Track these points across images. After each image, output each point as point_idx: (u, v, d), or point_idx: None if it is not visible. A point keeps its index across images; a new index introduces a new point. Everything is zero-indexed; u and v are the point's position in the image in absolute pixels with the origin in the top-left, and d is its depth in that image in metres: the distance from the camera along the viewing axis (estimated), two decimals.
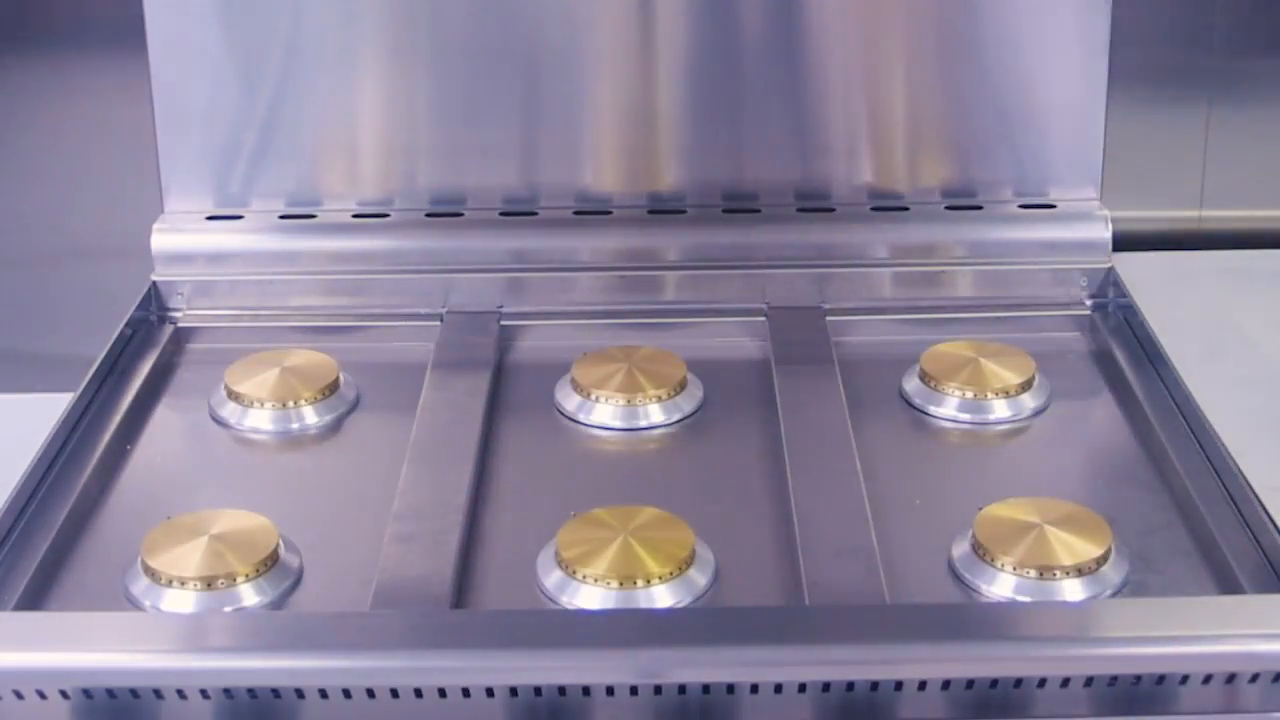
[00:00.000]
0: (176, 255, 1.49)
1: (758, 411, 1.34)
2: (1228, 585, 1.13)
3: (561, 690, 1.00)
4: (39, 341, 1.67)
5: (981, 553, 1.13)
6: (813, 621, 1.07)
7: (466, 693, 1.00)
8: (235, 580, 1.12)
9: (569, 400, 1.35)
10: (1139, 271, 1.51)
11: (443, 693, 1.00)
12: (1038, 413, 1.35)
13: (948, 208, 1.52)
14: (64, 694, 1.00)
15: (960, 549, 1.15)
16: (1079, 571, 1.11)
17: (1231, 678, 1.00)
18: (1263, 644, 1.00)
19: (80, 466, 1.26)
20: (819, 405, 1.32)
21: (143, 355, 1.42)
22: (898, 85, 1.51)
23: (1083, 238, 1.50)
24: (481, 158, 1.52)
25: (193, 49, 1.47)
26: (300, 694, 1.00)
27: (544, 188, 1.52)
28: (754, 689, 1.00)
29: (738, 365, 1.42)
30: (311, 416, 1.34)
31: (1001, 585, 1.12)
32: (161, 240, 1.49)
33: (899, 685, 1.00)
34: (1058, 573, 1.11)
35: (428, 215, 1.52)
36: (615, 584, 1.11)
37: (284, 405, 1.34)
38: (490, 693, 1.00)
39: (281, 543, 1.15)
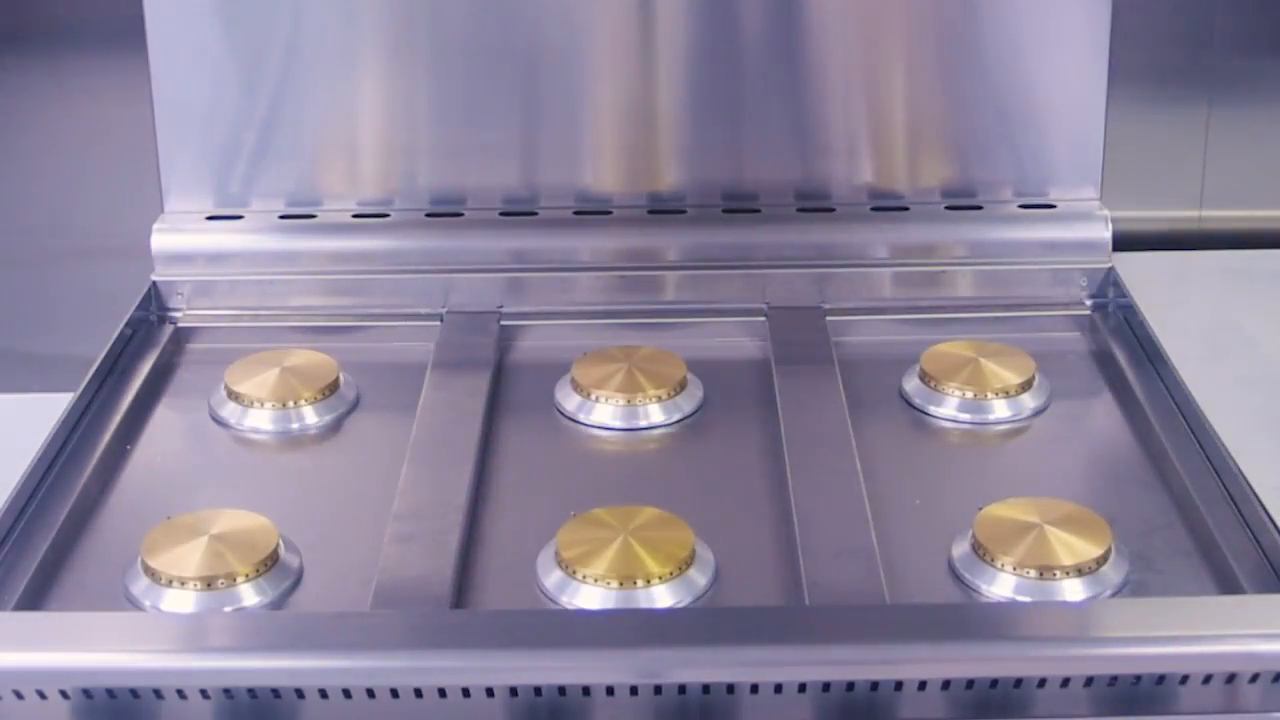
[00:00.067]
0: (176, 255, 1.49)
1: (758, 411, 1.34)
2: (1228, 585, 1.13)
3: (561, 690, 1.00)
4: (39, 341, 1.67)
5: (981, 553, 1.13)
6: (813, 621, 1.07)
7: (466, 693, 1.00)
8: (235, 580, 1.12)
9: (569, 400, 1.35)
10: (1139, 271, 1.51)
11: (443, 693, 1.00)
12: (1038, 413, 1.35)
13: (948, 208, 1.52)
14: (64, 694, 1.00)
15: (960, 549, 1.15)
16: (1079, 571, 1.11)
17: (1231, 678, 1.00)
18: (1263, 644, 1.00)
19: (80, 466, 1.26)
20: (819, 405, 1.32)
21: (143, 355, 1.42)
22: (898, 85, 1.51)
23: (1083, 238, 1.50)
24: (481, 158, 1.52)
25: (193, 49, 1.47)
26: (300, 694, 1.00)
27: (544, 188, 1.52)
28: (754, 689, 1.00)
29: (738, 365, 1.42)
30: (311, 416, 1.34)
31: (1001, 585, 1.12)
32: (161, 240, 1.49)
33: (899, 685, 1.00)
34: (1058, 573, 1.11)
35: (428, 215, 1.52)
36: (615, 584, 1.11)
37: (284, 405, 1.34)
38: (490, 693, 1.00)
39: (281, 543, 1.15)
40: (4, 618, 1.09)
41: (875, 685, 1.00)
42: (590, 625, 1.07)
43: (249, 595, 1.12)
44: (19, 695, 1.00)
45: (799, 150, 1.52)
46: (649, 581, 1.11)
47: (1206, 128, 1.65)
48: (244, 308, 1.48)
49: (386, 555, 1.14)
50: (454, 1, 1.47)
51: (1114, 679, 1.01)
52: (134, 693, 1.00)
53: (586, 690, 1.00)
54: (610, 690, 1.00)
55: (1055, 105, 1.51)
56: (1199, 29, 1.63)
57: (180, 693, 1.00)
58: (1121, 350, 1.41)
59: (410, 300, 1.48)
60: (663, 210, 1.52)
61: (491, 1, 1.47)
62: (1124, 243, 1.51)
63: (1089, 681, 1.01)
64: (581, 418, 1.34)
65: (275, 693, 1.00)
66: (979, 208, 1.52)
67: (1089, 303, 1.49)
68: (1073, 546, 1.12)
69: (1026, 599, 1.11)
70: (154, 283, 1.48)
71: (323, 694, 1.00)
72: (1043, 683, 1.00)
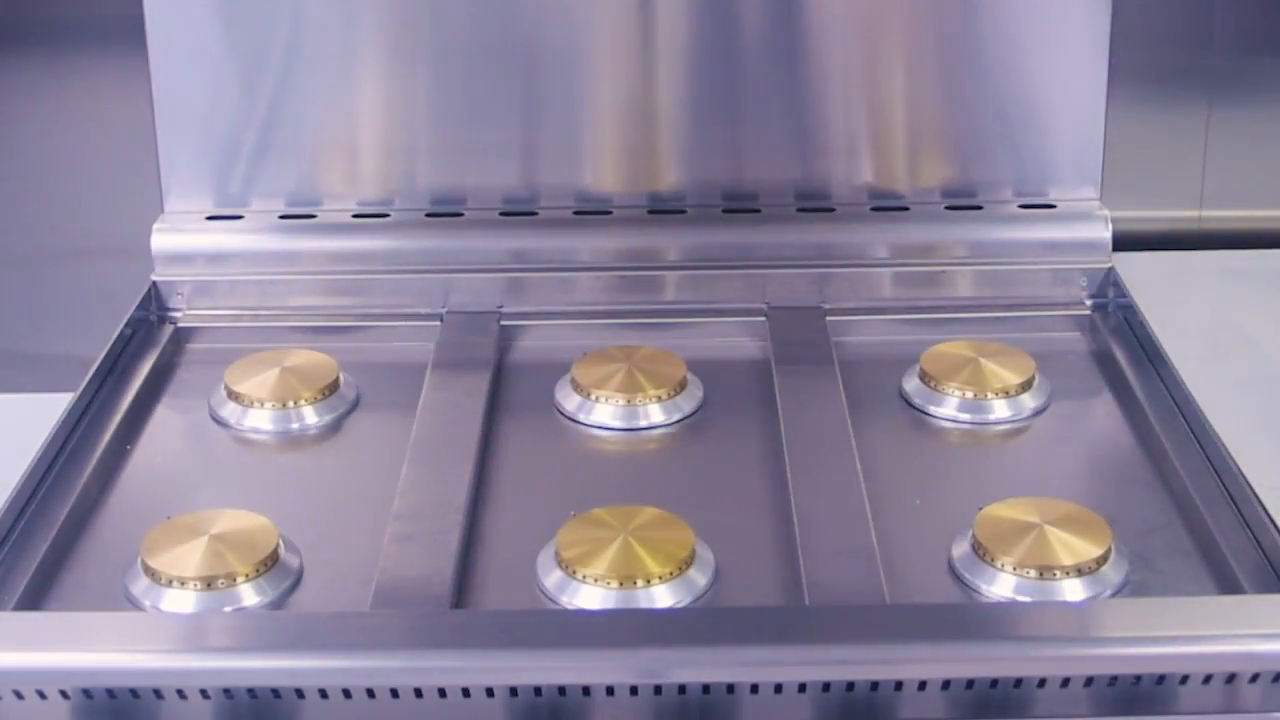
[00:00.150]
0: (176, 255, 1.49)
1: (758, 411, 1.34)
2: (1228, 585, 1.13)
3: (561, 690, 1.00)
4: (39, 341, 1.67)
5: (981, 553, 1.13)
6: (813, 621, 1.07)
7: (466, 693, 1.00)
8: (235, 580, 1.12)
9: (569, 400, 1.35)
10: (1139, 271, 1.51)
11: (443, 693, 1.00)
12: (1038, 413, 1.35)
13: (948, 208, 1.52)
14: (64, 694, 1.00)
15: (960, 549, 1.15)
16: (1079, 571, 1.11)
17: (1231, 678, 1.00)
18: (1263, 644, 1.00)
19: (80, 466, 1.26)
20: (819, 405, 1.32)
21: (143, 355, 1.42)
22: (898, 85, 1.51)
23: (1083, 238, 1.50)
24: (481, 158, 1.52)
25: (193, 49, 1.47)
26: (300, 694, 1.00)
27: (544, 188, 1.52)
28: (754, 689, 1.00)
29: (738, 365, 1.42)
30: (311, 416, 1.34)
31: (1001, 585, 1.12)
32: (161, 240, 1.49)
33: (899, 685, 1.00)
34: (1058, 573, 1.11)
35: (428, 215, 1.52)
36: (615, 584, 1.11)
37: (284, 405, 1.34)
38: (490, 693, 1.00)
39: (281, 543, 1.15)
40: (4, 618, 1.09)
41: (875, 685, 1.00)
42: (590, 625, 1.07)
43: (249, 595, 1.12)
44: (19, 695, 1.00)
45: (799, 150, 1.52)
46: (649, 581, 1.11)
47: (1206, 128, 1.65)
48: (244, 308, 1.48)
49: (386, 555, 1.14)
50: (454, 1, 1.47)
51: (1114, 679, 1.01)
52: (134, 693, 1.00)
53: (586, 690, 1.00)
54: (610, 690, 1.00)
55: (1055, 105, 1.51)
56: (1199, 29, 1.63)
57: (180, 693, 1.00)
58: (1121, 350, 1.41)
59: (410, 300, 1.48)
60: (663, 210, 1.52)
61: (491, 1, 1.47)
62: (1124, 243, 1.51)
63: (1089, 681, 1.01)
64: (581, 418, 1.34)
65: (275, 693, 1.00)
66: (979, 208, 1.52)
67: (1089, 303, 1.49)
68: (1073, 546, 1.12)
69: (1026, 599, 1.11)
70: (154, 283, 1.48)
71: (323, 694, 1.00)
72: (1043, 683, 1.00)
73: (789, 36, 1.48)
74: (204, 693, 1.00)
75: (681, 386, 1.35)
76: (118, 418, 1.32)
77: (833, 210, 1.52)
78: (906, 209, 1.52)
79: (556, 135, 1.51)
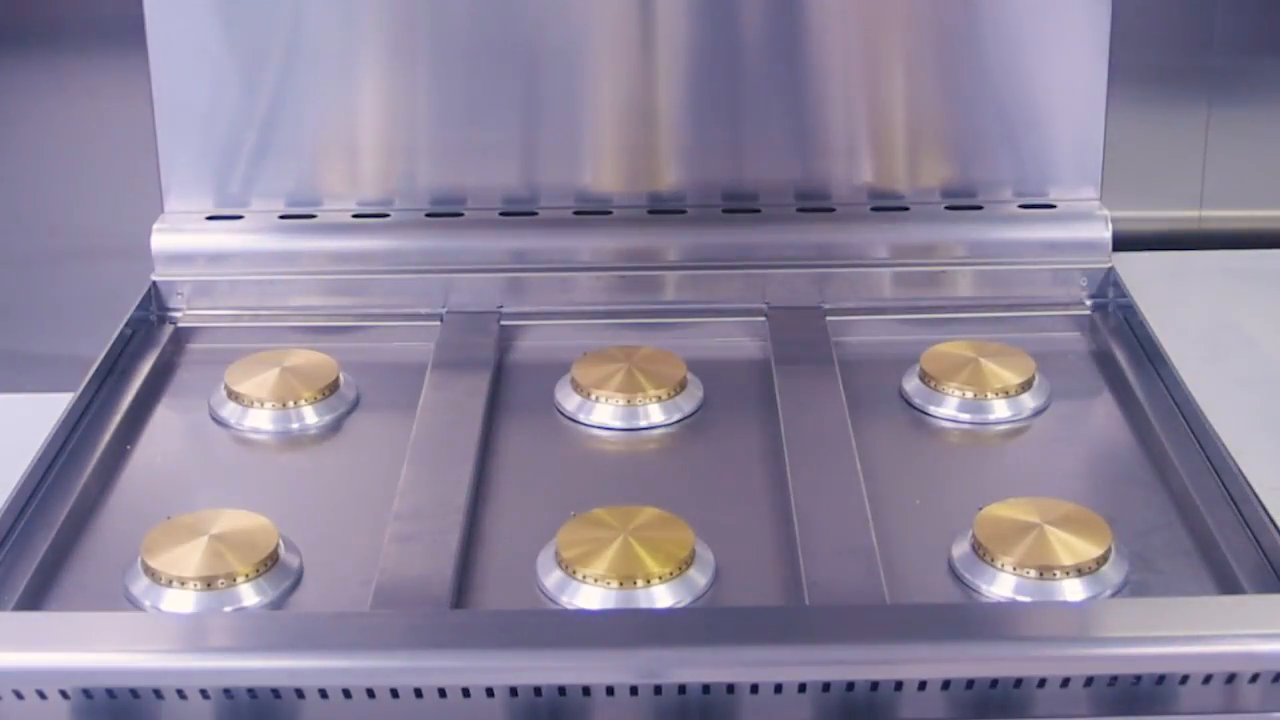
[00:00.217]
0: (176, 255, 1.49)
1: (758, 411, 1.34)
2: (1228, 585, 1.13)
3: (561, 690, 1.00)
4: (39, 341, 1.67)
5: (981, 553, 1.13)
6: (813, 621, 1.07)
7: (466, 693, 1.00)
8: (235, 580, 1.12)
9: (569, 400, 1.35)
10: (1139, 271, 1.51)
11: (443, 693, 1.00)
12: (1038, 413, 1.35)
13: (948, 208, 1.52)
14: (64, 694, 1.00)
15: (960, 549, 1.15)
16: (1079, 571, 1.11)
17: (1231, 678, 1.00)
18: (1263, 644, 1.00)
19: (80, 466, 1.26)
20: (819, 405, 1.32)
21: (143, 355, 1.42)
22: (898, 85, 1.51)
23: (1083, 238, 1.50)
24: (481, 158, 1.52)
25: (193, 49, 1.47)
26: (300, 694, 1.00)
27: (544, 188, 1.52)
28: (754, 689, 1.00)
29: (738, 365, 1.42)
30: (311, 416, 1.34)
31: (1001, 585, 1.12)
32: (161, 240, 1.49)
33: (899, 685, 1.00)
34: (1058, 573, 1.11)
35: (428, 215, 1.52)
36: (615, 584, 1.11)
37: (284, 405, 1.34)
38: (490, 693, 1.00)
39: (281, 543, 1.15)
40: (4, 618, 1.09)
41: (875, 685, 1.00)
42: (590, 625, 1.07)
43: (249, 595, 1.12)
44: (19, 695, 1.00)
45: (799, 150, 1.52)
46: (649, 581, 1.11)
47: (1206, 128, 1.65)
48: (244, 308, 1.48)
49: (386, 555, 1.14)
50: (454, 1, 1.47)
51: (1114, 679, 1.01)
52: (134, 693, 1.00)
53: (586, 690, 1.00)
54: (610, 690, 1.00)
55: (1055, 105, 1.51)
56: (1199, 29, 1.63)
57: (180, 693, 1.00)
58: (1121, 350, 1.41)
59: (410, 300, 1.48)
60: (663, 210, 1.52)
61: (491, 1, 1.47)
62: (1124, 243, 1.51)
63: (1089, 681, 1.01)
64: (581, 418, 1.34)
65: (275, 693, 1.00)
66: (979, 208, 1.52)
67: (1089, 303, 1.49)
68: (1073, 546, 1.12)
69: (1026, 599, 1.11)
70: (154, 283, 1.48)
71: (323, 694, 1.00)
72: (1043, 683, 1.00)
73: (789, 37, 1.48)
74: (204, 693, 1.00)
75: (681, 386, 1.35)
76: (118, 418, 1.32)
77: (833, 210, 1.52)
78: (906, 209, 1.52)
79: (556, 135, 1.51)
